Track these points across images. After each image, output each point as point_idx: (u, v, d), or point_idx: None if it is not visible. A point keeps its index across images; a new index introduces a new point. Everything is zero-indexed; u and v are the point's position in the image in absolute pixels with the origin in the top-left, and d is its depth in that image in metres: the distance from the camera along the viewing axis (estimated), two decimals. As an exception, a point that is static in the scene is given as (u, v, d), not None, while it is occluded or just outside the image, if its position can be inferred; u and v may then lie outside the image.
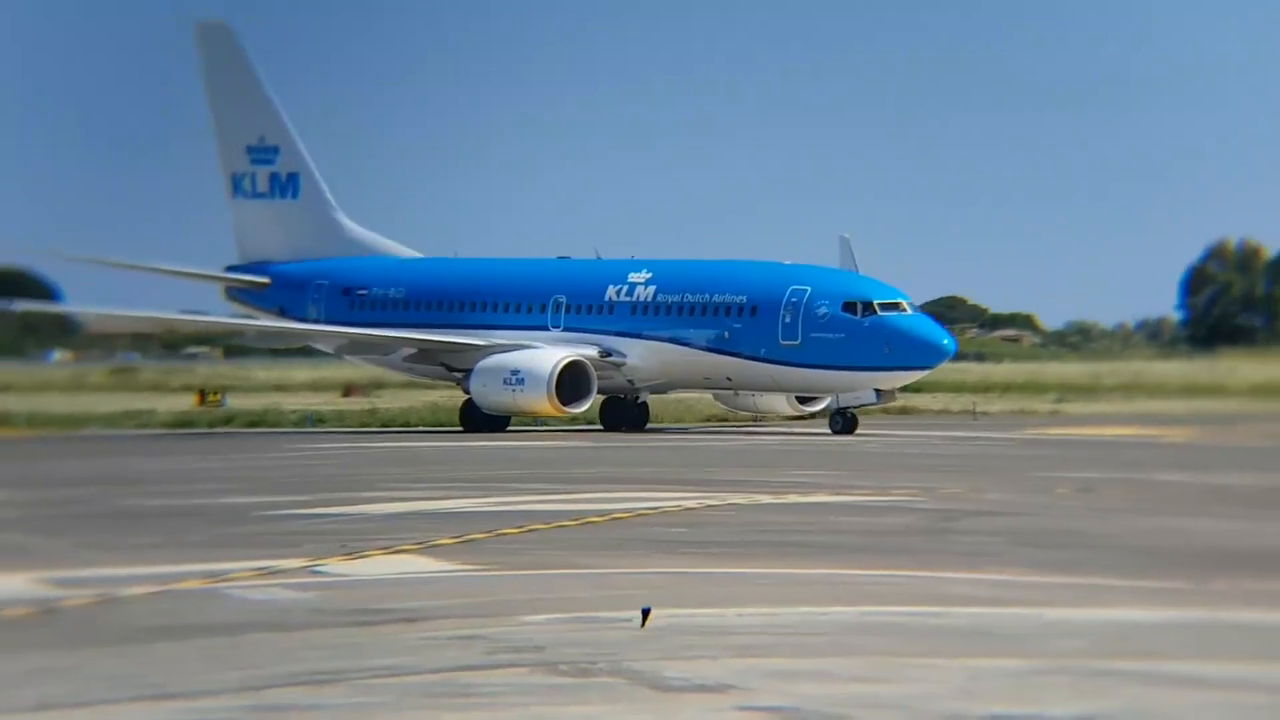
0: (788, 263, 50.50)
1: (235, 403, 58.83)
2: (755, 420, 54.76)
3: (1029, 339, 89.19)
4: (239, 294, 56.56)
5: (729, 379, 50.04)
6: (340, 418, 56.22)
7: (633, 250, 53.32)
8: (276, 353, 62.81)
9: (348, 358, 55.89)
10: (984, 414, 58.91)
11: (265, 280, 55.90)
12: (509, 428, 51.27)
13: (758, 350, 48.96)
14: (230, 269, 56.75)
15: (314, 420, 55.07)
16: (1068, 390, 63.81)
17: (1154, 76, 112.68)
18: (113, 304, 55.63)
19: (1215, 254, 68.73)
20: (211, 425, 54.33)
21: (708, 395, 54.64)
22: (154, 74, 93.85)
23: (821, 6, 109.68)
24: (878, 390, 48.20)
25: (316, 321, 54.26)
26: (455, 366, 51.61)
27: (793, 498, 28.10)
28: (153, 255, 56.45)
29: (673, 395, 55.27)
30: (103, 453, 42.98)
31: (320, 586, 18.23)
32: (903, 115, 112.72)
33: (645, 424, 52.71)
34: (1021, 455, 40.25)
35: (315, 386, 64.33)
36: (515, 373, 49.51)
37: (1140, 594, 17.76)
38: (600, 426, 52.26)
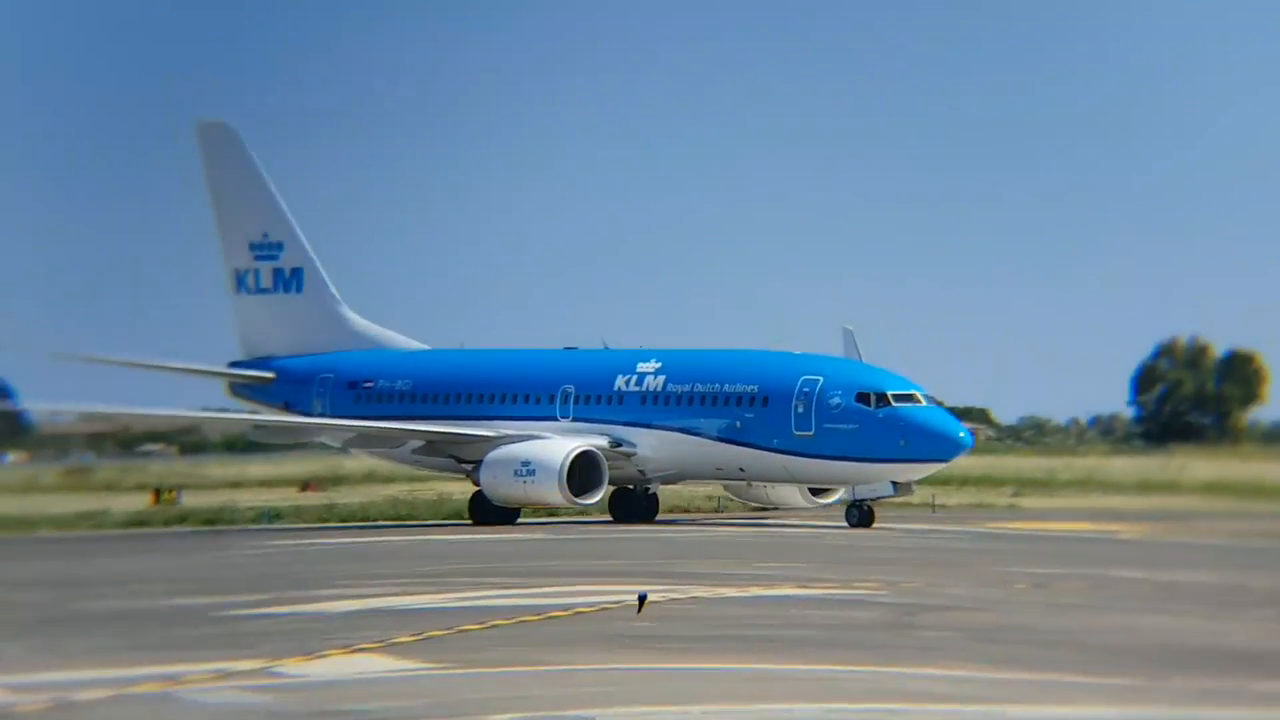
0: (798, 352, 50.07)
1: (190, 500, 58.42)
2: (727, 508, 54.39)
3: (984, 433, 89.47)
4: (243, 389, 56.13)
5: (742, 469, 49.46)
6: (298, 513, 55.83)
7: (638, 340, 53.25)
8: (231, 448, 62.40)
9: (354, 451, 55.28)
10: (943, 506, 59.01)
11: (270, 375, 55.54)
12: (519, 520, 50.64)
13: (770, 441, 48.32)
14: (234, 364, 56.42)
15: (272, 517, 54.66)
16: (1023, 484, 64.01)
17: (1105, 172, 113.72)
18: (98, 403, 54.64)
19: (1165, 351, 69.19)
20: (167, 524, 53.90)
21: (715, 486, 54.10)
22: (155, 173, 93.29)
23: (808, 115, 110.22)
24: (894, 483, 47.54)
25: (323, 416, 53.78)
26: (464, 458, 51.04)
27: (756, 590, 28.04)
28: (155, 353, 55.86)
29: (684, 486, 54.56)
30: (56, 555, 42.59)
31: (278, 689, 18.06)
32: (859, 212, 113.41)
33: (655, 515, 52.19)
34: (980, 549, 40.27)
35: (270, 482, 63.94)
36: (526, 464, 49.02)
37: (1098, 691, 17.77)
38: (610, 518, 51.78)
